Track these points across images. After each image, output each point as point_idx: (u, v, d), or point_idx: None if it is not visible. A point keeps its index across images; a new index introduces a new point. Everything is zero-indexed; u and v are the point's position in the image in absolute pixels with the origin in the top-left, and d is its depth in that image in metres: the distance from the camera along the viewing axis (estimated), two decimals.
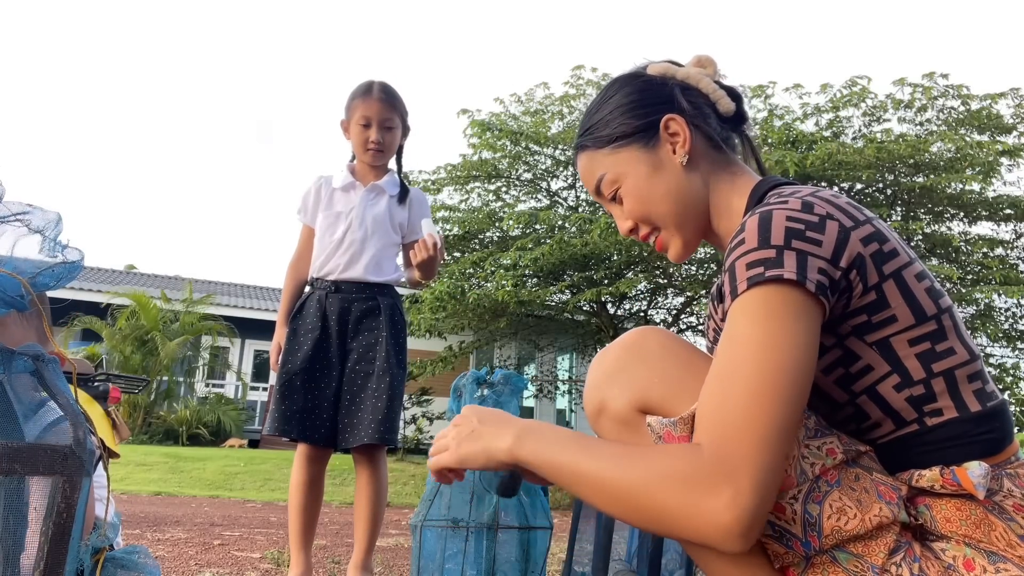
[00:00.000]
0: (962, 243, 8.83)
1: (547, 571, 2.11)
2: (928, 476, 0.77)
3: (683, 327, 10.85)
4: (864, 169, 7.94)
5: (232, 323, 14.30)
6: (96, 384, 2.71)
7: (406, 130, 2.25)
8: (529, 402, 15.52)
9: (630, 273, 9.21)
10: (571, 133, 9.29)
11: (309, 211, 2.24)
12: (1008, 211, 8.79)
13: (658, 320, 11.04)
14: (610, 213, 1.07)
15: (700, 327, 10.80)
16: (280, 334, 2.18)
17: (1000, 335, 8.81)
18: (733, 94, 1.03)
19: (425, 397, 12.29)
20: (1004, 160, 8.35)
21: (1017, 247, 9.32)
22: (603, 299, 9.38)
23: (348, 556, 3.14)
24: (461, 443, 0.86)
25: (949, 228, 9.23)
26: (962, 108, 8.75)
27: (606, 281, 8.97)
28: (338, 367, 2.09)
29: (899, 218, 8.88)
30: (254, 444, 13.30)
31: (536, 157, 9.97)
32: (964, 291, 8.16)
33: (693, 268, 9.39)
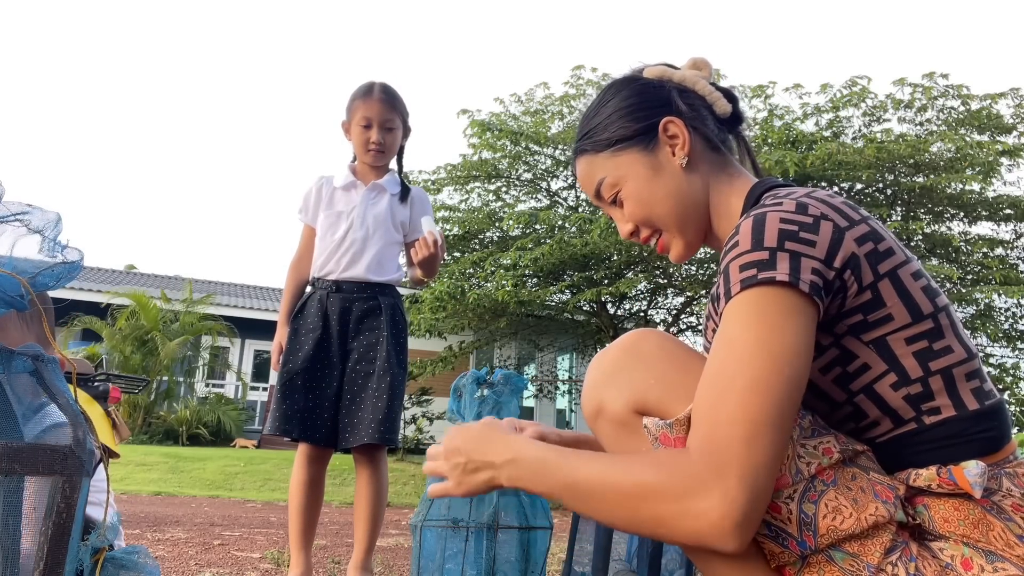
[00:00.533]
0: (962, 243, 8.83)
1: (547, 571, 2.11)
2: (925, 476, 0.77)
3: (683, 327, 10.86)
4: (864, 169, 7.95)
5: (232, 323, 14.29)
6: (96, 384, 2.70)
7: (407, 130, 2.25)
8: (529, 402, 15.52)
9: (630, 273, 9.21)
10: (571, 133, 9.28)
11: (310, 211, 2.24)
12: (1008, 211, 8.80)
13: (658, 320, 11.04)
14: (610, 216, 1.07)
15: (700, 327, 10.80)
16: (281, 334, 2.18)
17: (1000, 335, 8.81)
18: (729, 95, 1.03)
19: (425, 397, 12.29)
20: (1004, 160, 8.36)
21: (1017, 247, 9.33)
22: (603, 299, 9.38)
23: (348, 556, 3.14)
24: (463, 480, 0.89)
25: (949, 228, 9.23)
26: (962, 108, 8.76)
27: (606, 281, 8.97)
28: (339, 367, 2.09)
29: (899, 218, 8.89)
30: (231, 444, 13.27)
31: (536, 157, 9.97)
32: (964, 291, 8.17)
33: (693, 268, 9.40)
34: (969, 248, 8.95)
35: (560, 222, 9.00)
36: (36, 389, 0.76)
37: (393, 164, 2.29)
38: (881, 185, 8.87)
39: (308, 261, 2.22)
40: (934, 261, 8.77)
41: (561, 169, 10.08)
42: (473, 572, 1.98)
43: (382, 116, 2.14)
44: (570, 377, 15.18)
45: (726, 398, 0.72)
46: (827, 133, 8.89)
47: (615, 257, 8.83)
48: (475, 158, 9.70)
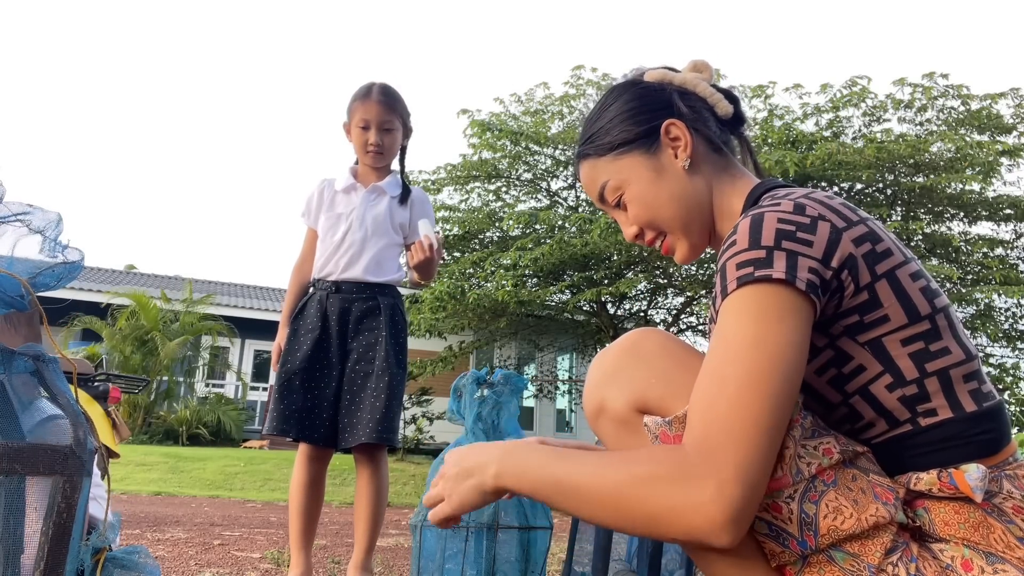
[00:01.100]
0: (962, 243, 8.83)
1: (547, 571, 2.11)
2: (926, 479, 0.77)
3: (683, 327, 10.86)
4: (864, 169, 7.95)
5: (232, 323, 14.28)
6: (96, 384, 2.71)
7: (408, 131, 2.25)
8: (529, 402, 15.52)
9: (630, 273, 9.22)
10: (571, 133, 9.29)
11: (312, 213, 2.25)
12: (1008, 211, 8.80)
13: (658, 320, 11.04)
14: (614, 219, 1.07)
15: (700, 327, 10.81)
16: (282, 335, 2.18)
17: (1000, 335, 8.82)
18: (730, 96, 1.04)
19: (425, 397, 12.28)
20: (1004, 160, 8.36)
21: (1017, 247, 9.33)
22: (603, 299, 9.39)
23: (348, 556, 3.14)
24: (453, 491, 0.87)
25: (949, 228, 9.24)
26: (962, 108, 8.76)
27: (606, 281, 8.97)
28: (338, 367, 2.10)
29: (899, 218, 8.89)
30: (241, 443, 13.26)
31: (536, 157, 9.97)
32: (964, 291, 8.17)
33: (693, 268, 9.40)
34: (969, 248, 8.95)
35: (560, 222, 9.01)
36: (36, 388, 0.76)
37: (395, 165, 2.29)
38: (881, 185, 8.88)
39: (311, 263, 2.23)
40: (934, 261, 8.77)
41: (561, 169, 10.09)
42: (473, 572, 1.98)
43: (380, 117, 2.14)
44: (570, 377, 15.18)
45: (721, 394, 0.72)
46: (827, 133, 8.90)
47: (615, 257, 8.83)
48: (475, 158, 9.71)
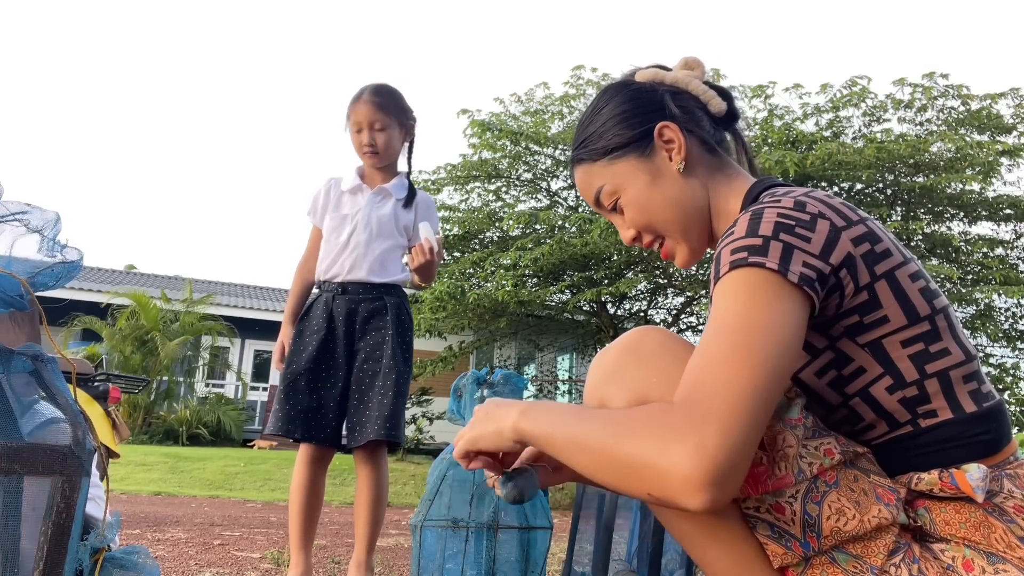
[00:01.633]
0: (962, 243, 8.83)
1: (547, 571, 2.11)
2: (927, 479, 0.77)
3: (683, 327, 10.86)
4: (864, 169, 7.95)
5: (232, 323, 14.29)
6: (96, 384, 2.71)
7: (406, 128, 2.24)
8: None
9: (630, 273, 9.21)
10: (571, 133, 9.28)
11: (318, 212, 2.27)
12: (1008, 211, 8.80)
13: (658, 320, 11.04)
14: (612, 222, 1.07)
15: (700, 327, 10.80)
16: (286, 332, 2.19)
17: (1000, 335, 8.81)
18: (723, 93, 1.03)
19: (425, 397, 12.27)
20: (1004, 160, 8.35)
21: (1017, 247, 9.33)
22: (603, 299, 9.38)
23: (348, 556, 3.15)
24: (474, 426, 0.88)
25: (949, 228, 9.23)
26: (962, 108, 8.75)
27: (606, 281, 8.97)
28: (344, 367, 2.11)
29: (899, 218, 8.89)
30: (248, 444, 13.26)
31: (536, 157, 9.97)
32: (964, 291, 8.17)
33: (693, 268, 9.39)
34: (969, 248, 8.95)
35: (560, 222, 9.00)
36: (35, 388, 0.76)
37: (403, 165, 2.30)
38: (881, 185, 8.87)
39: (315, 261, 2.25)
40: (934, 261, 8.76)
41: (561, 169, 10.08)
42: (473, 572, 1.98)
43: (370, 118, 2.16)
44: (570, 377, 15.17)
45: (712, 359, 0.72)
46: (827, 133, 8.89)
47: (615, 257, 8.83)
48: (475, 158, 9.70)
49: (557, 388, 14.24)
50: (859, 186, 8.92)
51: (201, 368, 14.97)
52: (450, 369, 10.05)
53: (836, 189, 8.65)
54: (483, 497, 2.02)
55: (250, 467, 9.46)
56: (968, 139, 8.18)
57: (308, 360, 2.08)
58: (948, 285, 8.42)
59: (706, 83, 1.03)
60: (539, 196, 10.54)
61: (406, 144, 2.27)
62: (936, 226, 9.06)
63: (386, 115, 2.17)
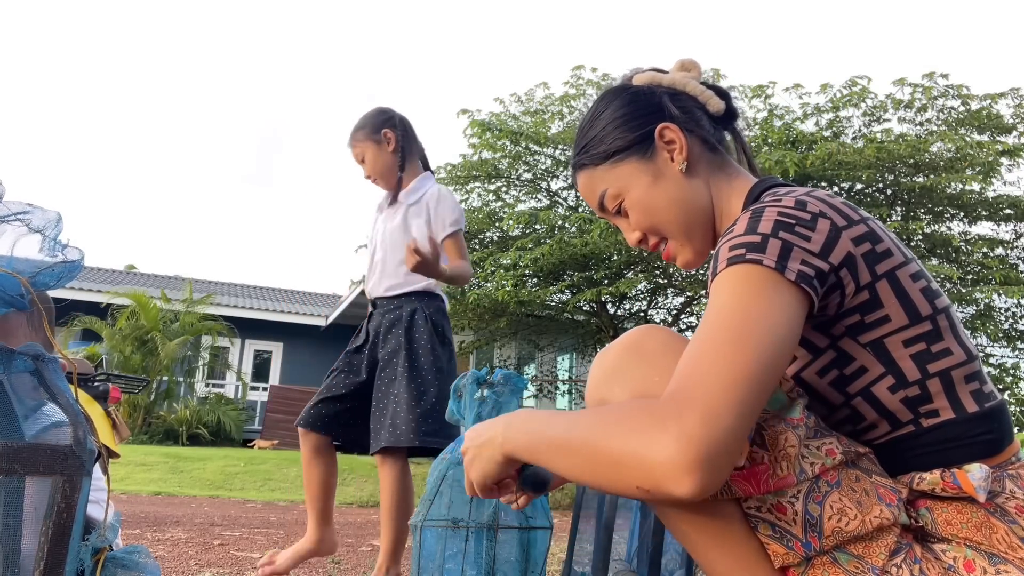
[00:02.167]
0: (962, 243, 8.83)
1: (547, 571, 2.11)
2: (929, 479, 0.77)
3: (683, 327, 10.85)
4: (864, 169, 7.95)
5: (232, 323, 14.27)
6: (96, 384, 2.71)
7: (384, 139, 2.23)
8: (529, 402, 15.51)
9: (630, 273, 9.21)
10: (571, 133, 9.28)
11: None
12: (1008, 211, 8.79)
13: (658, 320, 11.04)
14: (616, 226, 1.07)
15: None
16: None
17: (1000, 335, 8.81)
18: (721, 92, 1.03)
19: None
20: (1004, 160, 8.35)
21: (1017, 247, 9.32)
22: (603, 299, 9.38)
23: (348, 556, 3.15)
24: (473, 464, 0.89)
25: (949, 228, 9.23)
26: (962, 108, 8.75)
27: (606, 281, 8.96)
28: (365, 377, 2.20)
29: (899, 218, 8.88)
30: (248, 444, 13.25)
31: (536, 157, 9.96)
32: (964, 291, 8.17)
33: (694, 268, 9.38)
34: (969, 248, 8.94)
35: (560, 222, 9.00)
36: (36, 388, 0.76)
37: (420, 167, 2.35)
38: (881, 185, 8.87)
39: None
40: (934, 261, 8.76)
41: (561, 169, 10.08)
42: (473, 572, 1.98)
43: (355, 155, 2.28)
44: (570, 377, 15.17)
45: (703, 352, 0.72)
46: (827, 133, 8.88)
47: (615, 257, 8.82)
48: (475, 158, 9.70)
49: (557, 388, 14.24)
50: (859, 186, 8.91)
51: (201, 368, 14.96)
52: None
53: (836, 189, 8.65)
54: None
55: (250, 467, 9.46)
56: (968, 139, 8.18)
57: (339, 369, 2.23)
58: (948, 285, 8.42)
59: (703, 83, 1.03)
60: (539, 196, 10.53)
61: (397, 150, 2.24)
62: (936, 226, 9.06)
63: (360, 144, 2.25)
